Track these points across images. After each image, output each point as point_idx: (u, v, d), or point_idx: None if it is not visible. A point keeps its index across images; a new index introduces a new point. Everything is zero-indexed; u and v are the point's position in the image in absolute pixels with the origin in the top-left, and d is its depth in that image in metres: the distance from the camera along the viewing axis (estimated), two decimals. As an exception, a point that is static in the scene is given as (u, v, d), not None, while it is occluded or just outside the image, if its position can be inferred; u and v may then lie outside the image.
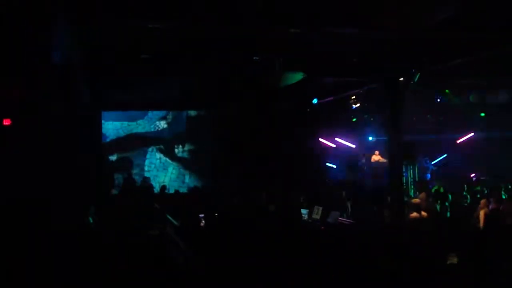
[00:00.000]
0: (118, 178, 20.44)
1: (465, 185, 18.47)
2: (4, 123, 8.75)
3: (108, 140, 21.06)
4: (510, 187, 17.33)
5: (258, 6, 9.87)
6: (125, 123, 21.41)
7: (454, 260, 8.01)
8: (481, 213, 12.01)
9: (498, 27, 11.01)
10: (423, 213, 11.99)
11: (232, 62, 14.06)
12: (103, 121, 20.59)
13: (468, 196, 15.63)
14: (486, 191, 16.57)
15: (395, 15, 10.36)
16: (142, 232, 9.42)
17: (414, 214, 11.90)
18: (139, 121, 21.57)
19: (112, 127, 21.21)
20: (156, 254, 8.00)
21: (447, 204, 14.12)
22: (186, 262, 8.04)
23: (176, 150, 21.92)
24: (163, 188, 19.59)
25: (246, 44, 12.65)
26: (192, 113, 22.14)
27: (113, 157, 21.20)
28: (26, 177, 8.15)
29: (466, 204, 14.85)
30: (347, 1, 9.91)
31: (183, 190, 20.19)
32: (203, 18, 10.37)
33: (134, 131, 21.57)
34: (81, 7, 9.34)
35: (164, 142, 21.86)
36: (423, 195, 13.78)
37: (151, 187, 19.52)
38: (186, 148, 22.02)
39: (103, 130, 20.75)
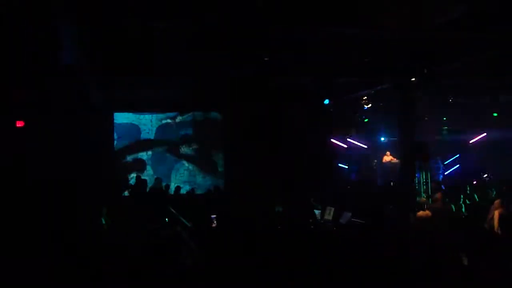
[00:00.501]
0: (132, 178, 20.45)
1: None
2: (17, 125, 8.80)
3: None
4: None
5: (267, 7, 9.89)
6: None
7: (464, 260, 7.99)
8: (496, 214, 11.84)
9: (503, 28, 11.01)
10: (427, 212, 11.94)
11: (243, 63, 14.08)
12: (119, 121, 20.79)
13: (475, 196, 15.55)
14: (494, 192, 16.45)
15: (405, 15, 10.36)
16: (153, 233, 9.46)
17: (420, 213, 11.88)
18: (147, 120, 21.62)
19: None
20: (166, 254, 8.02)
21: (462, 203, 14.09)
22: (196, 263, 8.07)
23: (186, 151, 21.92)
24: (177, 189, 19.64)
25: (256, 44, 12.67)
26: (203, 114, 22.13)
27: (128, 158, 21.27)
28: (37, 178, 8.20)
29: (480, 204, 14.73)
30: (353, 2, 9.92)
31: (195, 191, 20.18)
32: (213, 18, 10.41)
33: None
34: (89, 8, 9.39)
35: (174, 143, 21.87)
36: (439, 195, 13.71)
37: (162, 187, 19.52)
38: (196, 149, 22.02)
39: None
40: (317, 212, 13.59)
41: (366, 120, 23.19)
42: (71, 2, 9.04)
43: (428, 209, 12.05)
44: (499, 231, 11.00)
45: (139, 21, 10.41)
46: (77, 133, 10.27)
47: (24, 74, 8.36)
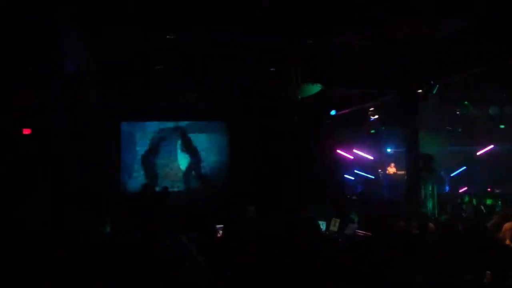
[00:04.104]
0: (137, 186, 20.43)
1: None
2: (24, 132, 8.78)
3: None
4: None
5: (274, 18, 9.90)
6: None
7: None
8: (506, 226, 11.56)
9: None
10: (431, 225, 11.84)
11: (248, 73, 14.10)
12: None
13: (482, 208, 15.42)
14: (500, 203, 16.34)
15: (409, 27, 10.37)
16: (156, 242, 9.42)
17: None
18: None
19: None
20: (170, 264, 7.99)
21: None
22: (200, 273, 8.03)
23: (191, 160, 21.91)
24: (165, 189, 19.70)
25: (262, 55, 12.69)
26: (209, 124, 22.13)
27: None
28: (41, 187, 8.18)
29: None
30: (360, 13, 9.91)
31: (201, 201, 20.17)
32: (218, 29, 10.43)
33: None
34: (94, 17, 9.42)
35: (185, 152, 21.88)
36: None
37: (168, 196, 19.50)
38: (201, 159, 22.01)
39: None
40: (322, 223, 13.55)
41: (372, 131, 23.18)
42: (77, 9, 9.08)
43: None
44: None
45: (144, 31, 10.43)
46: (81, 140, 10.25)
47: (26, 80, 8.35)
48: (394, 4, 9.52)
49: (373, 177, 24.74)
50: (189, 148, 21.87)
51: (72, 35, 9.43)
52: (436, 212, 16.29)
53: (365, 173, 24.68)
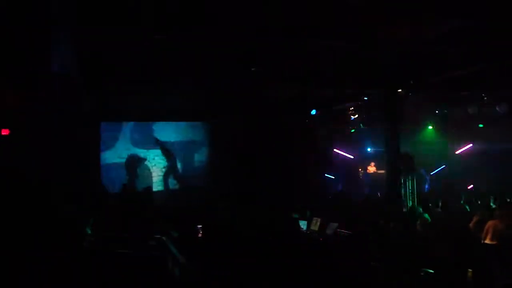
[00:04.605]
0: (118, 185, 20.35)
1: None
2: (2, 133, 8.74)
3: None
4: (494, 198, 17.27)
5: (258, 19, 9.94)
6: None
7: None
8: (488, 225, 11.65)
9: (493, 41, 11.14)
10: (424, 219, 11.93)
11: (231, 74, 14.12)
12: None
13: (467, 207, 15.54)
14: (479, 202, 16.46)
15: (393, 28, 10.46)
16: (139, 243, 9.42)
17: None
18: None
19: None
20: (153, 265, 7.99)
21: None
22: (183, 273, 8.04)
23: (175, 161, 21.88)
24: (148, 189, 19.67)
25: (245, 56, 12.72)
26: (192, 124, 22.10)
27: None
28: (22, 186, 8.14)
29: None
30: (344, 16, 9.98)
31: (181, 201, 20.13)
32: (203, 30, 10.45)
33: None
34: (81, 16, 9.40)
35: (162, 153, 21.83)
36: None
37: (151, 196, 19.45)
38: (184, 159, 22.00)
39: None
40: (303, 223, 13.59)
41: (352, 130, 23.33)
42: (65, 9, 9.06)
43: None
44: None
45: (132, 31, 10.42)
46: (65, 140, 10.20)
47: (12, 79, 8.32)
48: (382, 7, 9.60)
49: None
50: (169, 149, 21.84)
51: (59, 35, 9.40)
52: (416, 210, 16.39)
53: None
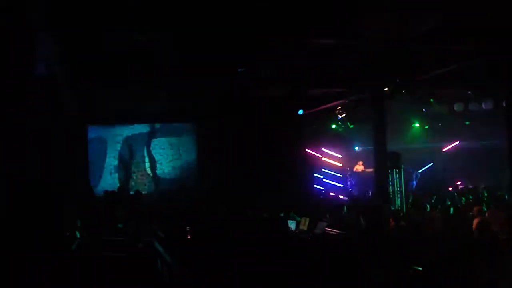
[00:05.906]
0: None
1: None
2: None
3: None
4: (486, 194, 17.38)
5: (240, 20, 9.93)
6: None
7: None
8: (475, 222, 11.70)
9: (476, 39, 11.20)
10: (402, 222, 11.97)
11: (218, 75, 14.09)
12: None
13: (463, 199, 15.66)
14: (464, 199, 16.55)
15: (377, 24, 10.47)
16: (128, 245, 9.41)
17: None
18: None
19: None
20: (142, 266, 7.99)
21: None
22: (171, 275, 8.03)
23: (162, 161, 21.85)
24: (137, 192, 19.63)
25: (232, 57, 12.71)
26: (179, 125, 22.07)
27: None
28: (8, 191, 8.08)
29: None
30: (329, 12, 9.99)
31: (171, 203, 20.07)
32: (189, 31, 10.43)
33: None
34: (65, 18, 9.35)
35: (150, 154, 21.81)
36: None
37: (140, 199, 19.39)
38: (172, 160, 21.96)
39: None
40: (292, 222, 13.59)
41: (340, 129, 23.36)
42: (48, 12, 9.01)
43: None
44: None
45: (116, 33, 10.39)
46: (51, 144, 10.14)
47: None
48: (367, 4, 9.62)
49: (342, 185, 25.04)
50: (158, 151, 21.83)
51: (44, 37, 9.34)
52: (404, 208, 16.46)
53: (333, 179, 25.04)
